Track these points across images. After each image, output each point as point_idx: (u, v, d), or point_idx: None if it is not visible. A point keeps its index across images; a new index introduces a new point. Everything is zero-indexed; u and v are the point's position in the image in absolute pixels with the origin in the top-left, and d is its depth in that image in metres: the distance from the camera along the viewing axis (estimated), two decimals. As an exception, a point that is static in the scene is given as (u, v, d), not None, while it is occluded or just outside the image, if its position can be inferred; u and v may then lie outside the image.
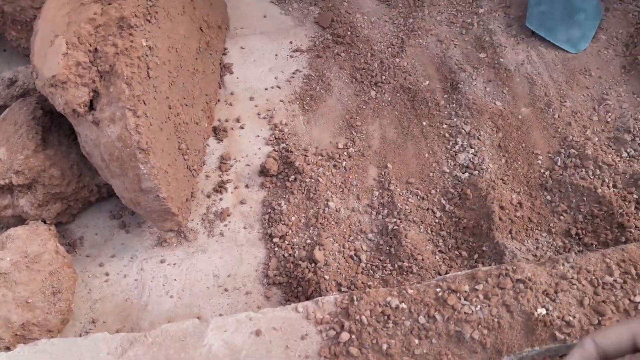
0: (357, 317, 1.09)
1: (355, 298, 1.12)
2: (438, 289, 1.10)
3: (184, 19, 1.72)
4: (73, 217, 1.69)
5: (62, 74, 1.41)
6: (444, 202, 1.56)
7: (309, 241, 1.53)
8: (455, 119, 1.75)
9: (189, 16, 1.77)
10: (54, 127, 1.67)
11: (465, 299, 1.07)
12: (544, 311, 1.03)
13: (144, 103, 1.40)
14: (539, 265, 1.13)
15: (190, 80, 1.71)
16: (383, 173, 1.67)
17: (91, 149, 1.47)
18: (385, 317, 1.08)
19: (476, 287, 1.09)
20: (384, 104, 1.84)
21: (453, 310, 1.06)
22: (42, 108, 1.67)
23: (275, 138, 1.81)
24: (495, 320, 1.04)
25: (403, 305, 1.09)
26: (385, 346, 1.04)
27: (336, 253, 1.49)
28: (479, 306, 1.05)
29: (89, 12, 1.43)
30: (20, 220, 1.63)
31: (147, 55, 1.44)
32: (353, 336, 1.07)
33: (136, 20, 1.44)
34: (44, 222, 1.60)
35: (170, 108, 1.54)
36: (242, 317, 1.15)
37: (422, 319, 1.06)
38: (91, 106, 1.44)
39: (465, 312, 1.05)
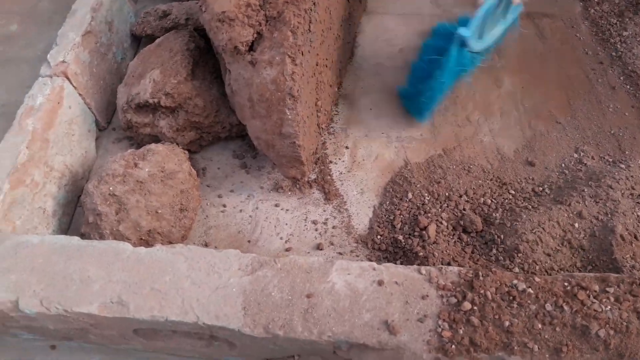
0: (482, 292, 1.12)
1: (480, 274, 1.16)
2: (566, 283, 1.12)
3: (339, -15, 1.80)
4: (200, 148, 1.80)
5: (232, 12, 1.50)
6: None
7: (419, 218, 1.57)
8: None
9: (342, -16, 1.85)
10: (201, 62, 1.78)
11: (595, 298, 1.08)
12: (676, 327, 1.03)
13: (302, 53, 1.48)
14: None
15: (333, 45, 1.79)
16: (502, 170, 1.69)
17: (240, 88, 1.57)
18: (511, 297, 1.11)
19: (607, 289, 1.09)
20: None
21: (582, 305, 1.07)
22: (194, 42, 1.80)
23: (398, 115, 1.86)
24: (624, 323, 1.04)
25: (530, 290, 1.11)
26: (507, 323, 1.07)
27: (446, 235, 1.53)
28: (609, 307, 1.06)
29: (268, -41, 1.52)
30: (155, 140, 1.75)
31: (311, 9, 1.52)
32: (475, 307, 1.11)
33: (307, -25, 1.52)
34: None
35: (317, 65, 1.62)
36: (366, 265, 1.21)
37: (548, 306, 1.08)
38: (251, 47, 1.53)
39: (594, 310, 1.06)
